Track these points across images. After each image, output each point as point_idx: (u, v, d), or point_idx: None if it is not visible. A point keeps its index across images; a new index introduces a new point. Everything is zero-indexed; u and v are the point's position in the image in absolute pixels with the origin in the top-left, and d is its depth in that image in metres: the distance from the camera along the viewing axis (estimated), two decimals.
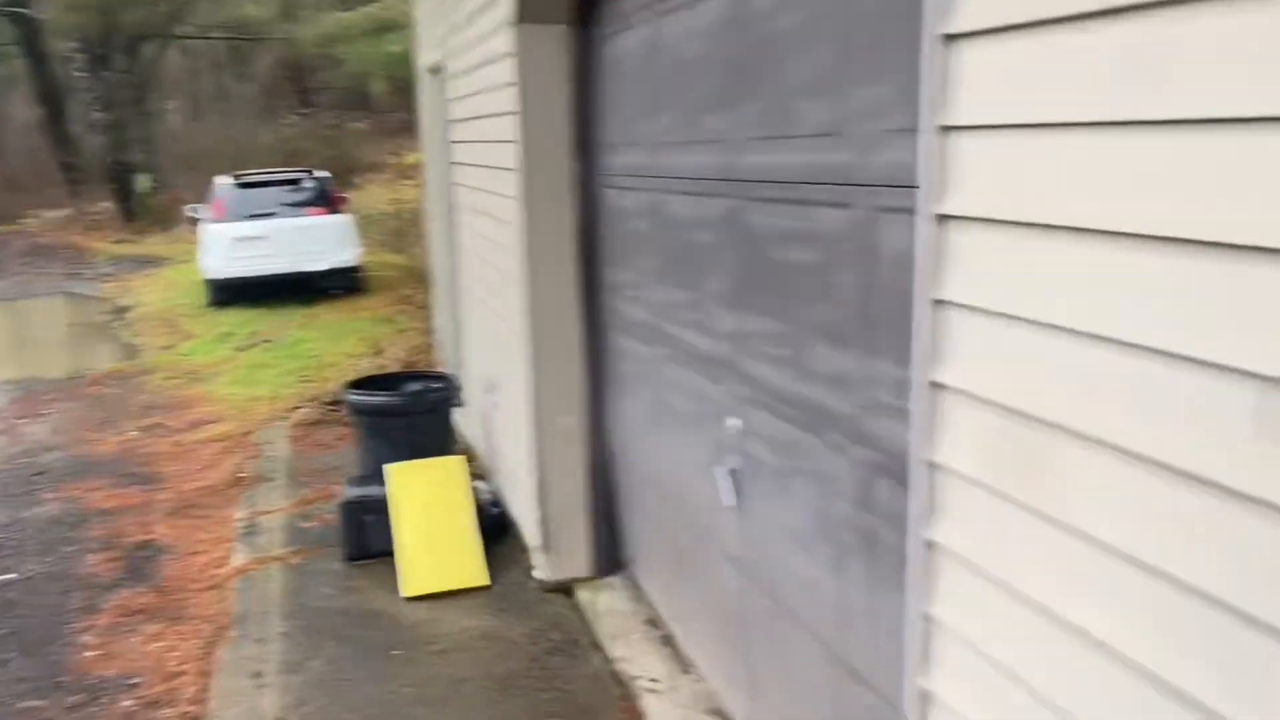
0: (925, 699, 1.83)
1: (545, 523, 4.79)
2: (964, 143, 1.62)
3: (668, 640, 4.33)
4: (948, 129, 1.65)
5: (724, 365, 3.44)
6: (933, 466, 1.74)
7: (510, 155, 4.63)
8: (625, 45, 4.13)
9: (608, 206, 4.50)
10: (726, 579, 3.59)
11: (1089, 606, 1.46)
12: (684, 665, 4.14)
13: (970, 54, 1.60)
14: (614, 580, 4.89)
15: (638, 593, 4.72)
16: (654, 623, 4.48)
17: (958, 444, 1.69)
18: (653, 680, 4.08)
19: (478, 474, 6.11)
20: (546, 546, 4.82)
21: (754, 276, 3.15)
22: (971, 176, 1.61)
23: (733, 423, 3.40)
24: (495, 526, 5.44)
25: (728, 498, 3.40)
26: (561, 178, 4.57)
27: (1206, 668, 1.29)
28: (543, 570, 4.92)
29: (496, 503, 5.66)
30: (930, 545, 1.77)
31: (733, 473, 3.39)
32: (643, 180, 4.06)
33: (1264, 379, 1.18)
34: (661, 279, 3.96)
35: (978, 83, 1.59)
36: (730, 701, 3.72)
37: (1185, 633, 1.32)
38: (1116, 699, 1.44)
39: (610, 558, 4.93)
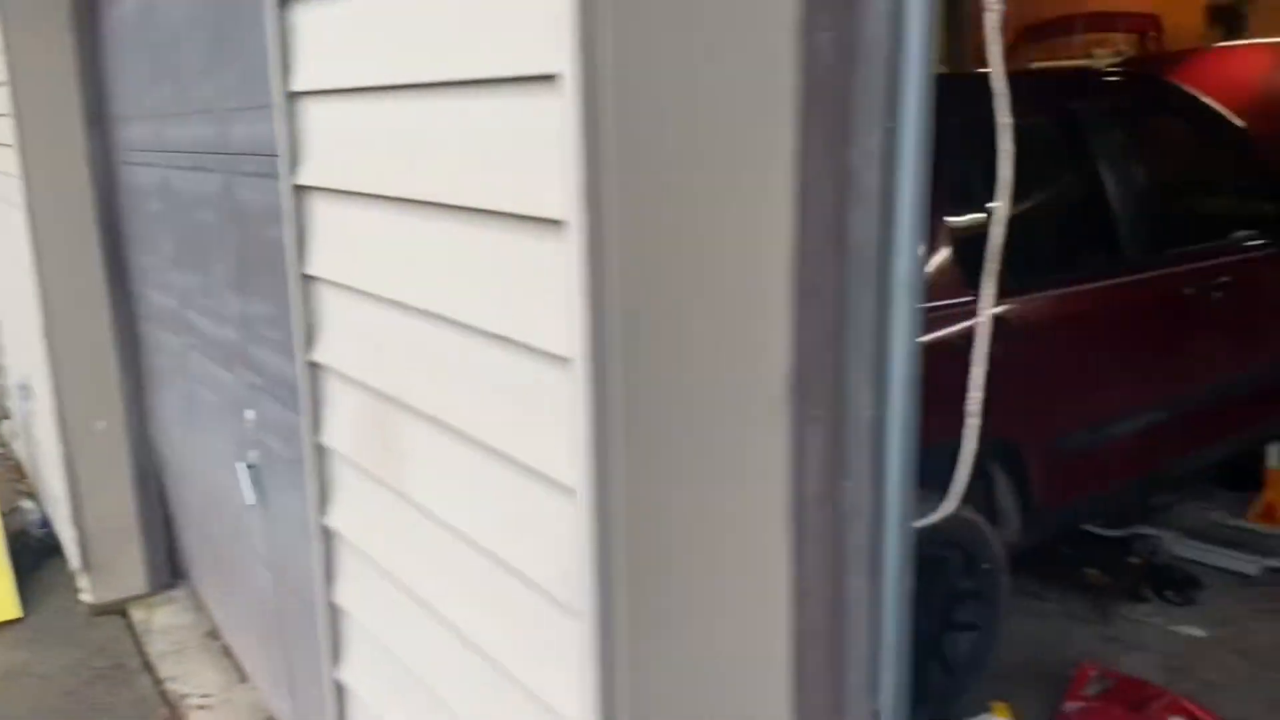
0: (340, 692, 1.76)
1: (85, 539, 4.31)
2: (304, 109, 1.53)
3: (227, 651, 4.04)
4: (294, 95, 1.55)
5: (236, 353, 3.21)
6: (321, 449, 1.66)
7: (8, 130, 4.08)
8: (127, 6, 3.74)
9: (127, 185, 4.08)
10: (261, 580, 3.38)
11: (432, 580, 1.43)
12: (241, 675, 3.88)
13: (297, 18, 1.50)
14: (176, 594, 4.51)
15: (199, 604, 4.37)
16: (214, 634, 4.17)
17: (336, 425, 1.61)
18: (205, 695, 3.79)
19: (27, 492, 5.44)
20: (89, 565, 4.35)
21: (250, 256, 2.95)
22: (315, 144, 1.53)
23: (249, 415, 3.18)
24: (44, 549, 4.86)
25: (249, 495, 3.19)
26: (74, 154, 4.09)
27: (504, 629, 1.29)
28: (90, 592, 4.43)
29: (46, 523, 5.05)
30: (327, 532, 1.69)
31: (252, 468, 3.18)
32: (152, 155, 3.71)
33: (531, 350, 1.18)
34: (179, 262, 3.64)
35: (305, 47, 1.50)
36: (277, 705, 3.52)
37: (495, 599, 1.32)
38: (463, 674, 1.42)
39: (172, 570, 4.53)
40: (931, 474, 2.64)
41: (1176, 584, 4.03)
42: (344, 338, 1.57)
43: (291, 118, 1.56)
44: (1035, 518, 3.38)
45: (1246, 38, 8.04)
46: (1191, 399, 3.73)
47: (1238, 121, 4.08)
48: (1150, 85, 3.94)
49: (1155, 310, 3.56)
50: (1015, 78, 1.58)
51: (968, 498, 3.30)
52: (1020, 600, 4.01)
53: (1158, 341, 3.57)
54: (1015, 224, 3.69)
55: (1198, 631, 3.76)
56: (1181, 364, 3.67)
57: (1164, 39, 9.12)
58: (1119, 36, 8.92)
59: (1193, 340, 3.69)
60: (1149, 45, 9.05)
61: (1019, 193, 4.20)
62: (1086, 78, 3.72)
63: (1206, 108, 4.01)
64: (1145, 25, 9.21)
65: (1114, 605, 3.96)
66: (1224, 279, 3.77)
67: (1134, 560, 4.32)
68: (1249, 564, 4.10)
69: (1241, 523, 4.47)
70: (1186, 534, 4.34)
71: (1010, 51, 7.09)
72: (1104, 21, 9.27)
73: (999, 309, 3.17)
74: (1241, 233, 4.12)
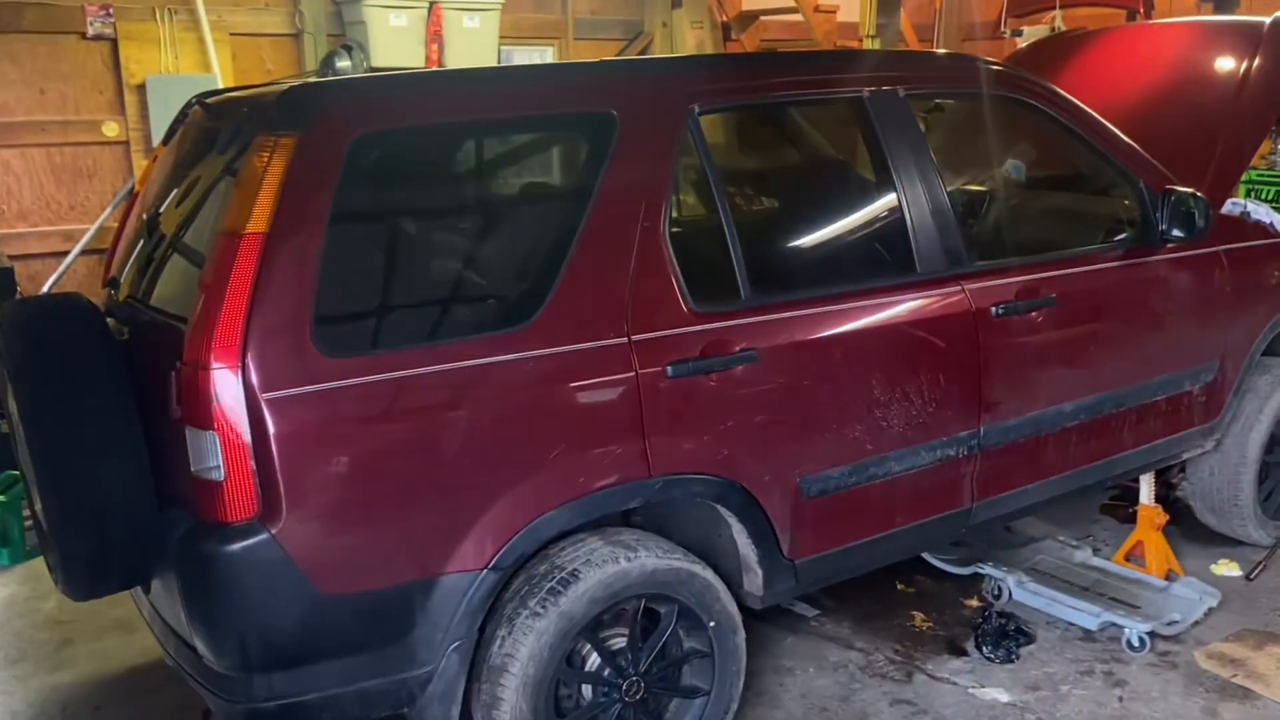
0: None
1: None
2: None
3: None
4: None
5: None
6: None
7: None
8: None
9: None
10: None
11: None
12: None
13: None
14: None
15: None
16: None
17: None
18: None
19: None
20: None
21: None
22: None
23: None
24: None
25: None
26: None
27: None
28: None
29: None
30: None
31: None
32: None
33: None
34: None
35: None
36: None
37: None
38: None
39: None
40: None
41: (1005, 635, 3.57)
42: None
43: None
44: (784, 569, 2.95)
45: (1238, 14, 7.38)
46: (1005, 431, 3.26)
47: (1092, 113, 3.55)
48: (981, 73, 3.41)
49: (944, 331, 3.08)
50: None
51: (693, 548, 2.92)
52: (824, 648, 3.59)
53: (950, 366, 3.10)
54: (759, 226, 3.24)
55: (1003, 696, 3.30)
56: (990, 392, 3.19)
57: (1153, 15, 8.42)
58: (1082, 13, 8.25)
59: (1003, 364, 3.21)
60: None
61: (769, 189, 3.72)
62: (883, 61, 3.24)
63: (1064, 102, 3.49)
64: (1134, 1, 8.51)
65: (926, 658, 3.52)
66: (1050, 293, 3.28)
67: (969, 604, 3.87)
68: (1091, 617, 3.61)
69: (1105, 564, 3.98)
70: (1037, 575, 3.86)
71: (995, 26, 6.48)
72: None
73: (728, 330, 2.77)
74: (1090, 242, 3.62)
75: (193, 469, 2.28)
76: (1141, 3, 8.48)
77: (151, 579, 2.60)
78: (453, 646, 2.48)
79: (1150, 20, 8.38)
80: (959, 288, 3.12)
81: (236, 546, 2.26)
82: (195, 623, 2.35)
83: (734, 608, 2.87)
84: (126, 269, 2.98)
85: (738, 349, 2.74)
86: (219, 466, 2.23)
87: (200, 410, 2.23)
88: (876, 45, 6.82)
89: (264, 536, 2.27)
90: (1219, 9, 7.98)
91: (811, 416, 2.88)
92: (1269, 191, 6.70)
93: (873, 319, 2.98)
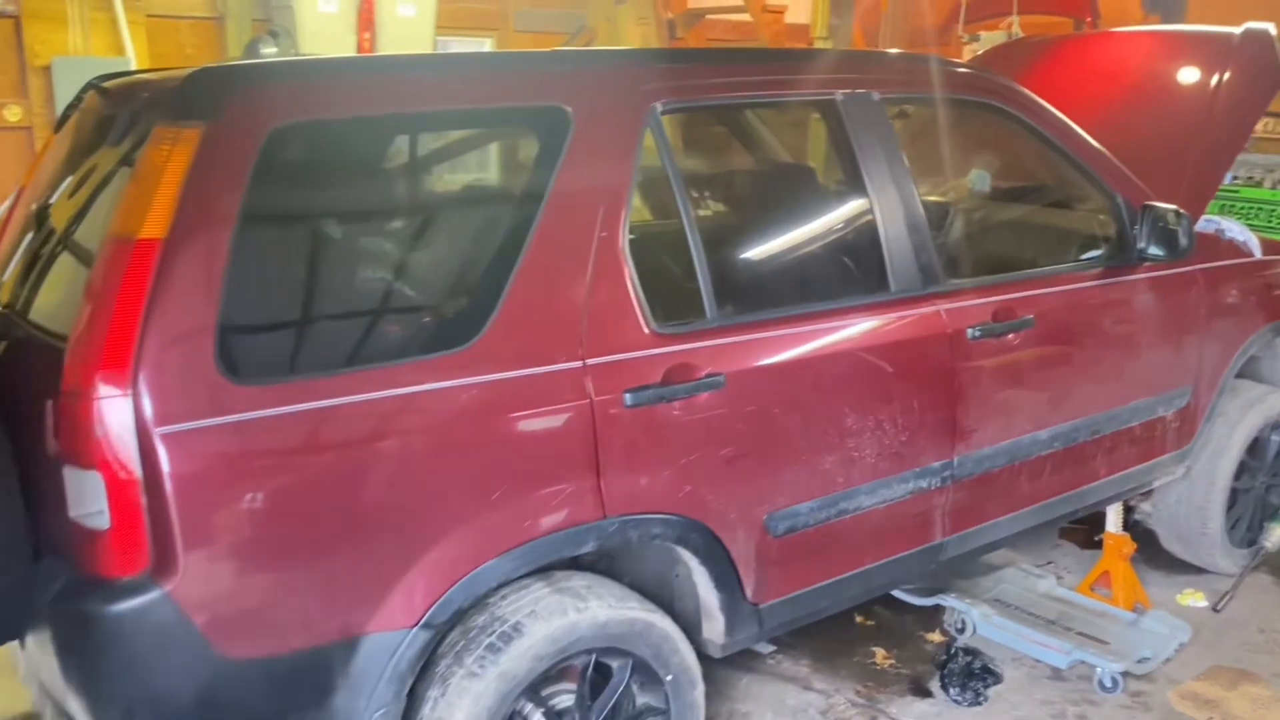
0: None
1: None
2: None
3: None
4: None
5: None
6: None
7: None
8: None
9: None
10: None
11: None
12: None
13: None
14: None
15: None
16: None
17: None
18: None
19: None
20: None
21: None
22: None
23: None
24: None
25: None
26: None
27: None
28: None
29: None
30: None
31: None
32: None
33: None
34: None
35: None
36: None
37: None
38: None
39: None
40: None
41: (971, 675, 3.36)
42: None
43: None
44: (747, 614, 2.70)
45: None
46: (979, 461, 3.05)
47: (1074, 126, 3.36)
48: (959, 79, 3.19)
49: (919, 354, 2.86)
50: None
51: (646, 589, 2.65)
52: (783, 690, 3.35)
53: (924, 391, 2.88)
54: (725, 240, 2.99)
55: None
56: (964, 419, 2.98)
57: (1100, 24, 8.39)
58: (1035, 20, 8.18)
59: (979, 389, 3.00)
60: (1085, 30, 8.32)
61: (737, 198, 3.45)
62: (858, 63, 3.01)
63: (1043, 111, 3.29)
64: (1081, 10, 8.47)
65: (889, 700, 3.30)
66: (1027, 314, 3.07)
67: (931, 638, 3.67)
68: (1061, 655, 3.42)
69: (1070, 594, 3.80)
70: (1001, 607, 3.67)
71: (944, 31, 6.25)
72: (1038, 3, 8.54)
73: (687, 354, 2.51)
74: (1066, 259, 3.44)
75: (72, 514, 1.95)
76: (1089, 11, 8.45)
77: (26, 635, 2.25)
78: (377, 714, 2.18)
79: (1097, 29, 8.36)
80: (934, 308, 2.90)
81: (123, 606, 1.93)
82: (74, 691, 2.02)
83: (693, 659, 2.61)
84: (5, 275, 2.61)
85: (703, 374, 2.48)
86: (103, 512, 1.91)
87: (81, 446, 1.90)
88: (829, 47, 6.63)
89: (156, 594, 1.94)
90: (1166, 18, 7.96)
91: (781, 447, 2.63)
92: (1214, 207, 6.67)
93: (846, 342, 2.74)
